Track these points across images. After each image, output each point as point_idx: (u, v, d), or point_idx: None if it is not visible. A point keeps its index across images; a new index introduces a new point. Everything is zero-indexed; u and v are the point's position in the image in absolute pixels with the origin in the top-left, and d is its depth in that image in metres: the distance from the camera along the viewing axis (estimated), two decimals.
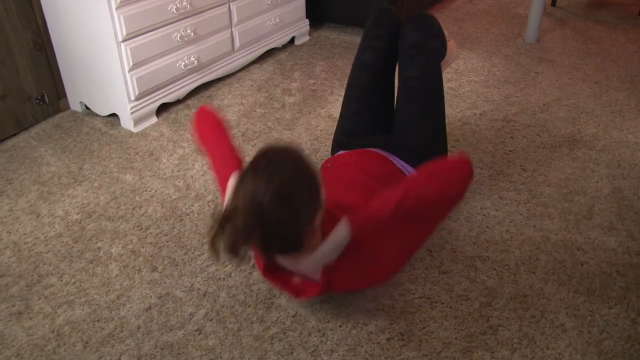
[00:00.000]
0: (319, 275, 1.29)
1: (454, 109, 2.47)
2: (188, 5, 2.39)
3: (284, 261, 1.33)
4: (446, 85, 2.70)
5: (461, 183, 1.30)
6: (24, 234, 1.79)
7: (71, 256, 1.69)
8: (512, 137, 2.25)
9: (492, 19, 3.64)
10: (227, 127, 1.54)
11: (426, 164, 1.33)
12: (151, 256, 1.68)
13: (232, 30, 2.73)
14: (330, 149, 2.18)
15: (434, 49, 1.69)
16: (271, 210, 1.09)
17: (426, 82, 1.67)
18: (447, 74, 2.82)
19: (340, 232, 1.25)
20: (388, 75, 1.77)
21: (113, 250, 1.71)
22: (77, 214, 1.87)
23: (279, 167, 1.12)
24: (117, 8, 2.11)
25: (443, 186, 1.29)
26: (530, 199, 1.90)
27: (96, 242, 1.74)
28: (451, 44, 1.94)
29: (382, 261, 1.30)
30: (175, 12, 2.34)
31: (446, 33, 1.97)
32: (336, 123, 2.36)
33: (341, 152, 1.80)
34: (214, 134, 1.51)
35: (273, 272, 1.37)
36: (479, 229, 1.76)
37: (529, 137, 2.25)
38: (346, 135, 1.80)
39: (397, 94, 1.75)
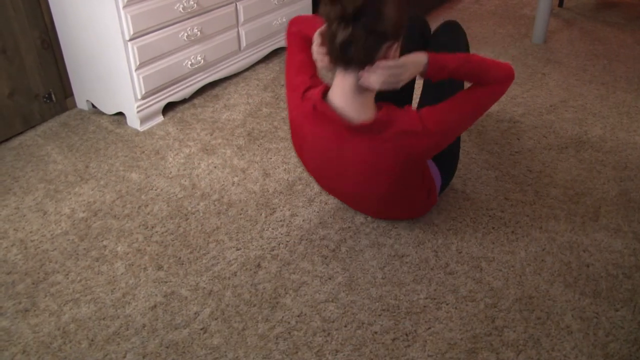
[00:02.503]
0: (371, 110, 1.47)
1: None
2: (195, 5, 2.39)
3: (344, 82, 1.44)
4: None
5: (506, 70, 1.53)
6: (31, 232, 1.80)
7: (77, 254, 1.70)
8: (518, 139, 2.24)
9: (499, 20, 3.63)
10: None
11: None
12: (157, 255, 1.69)
13: (238, 30, 2.73)
14: None
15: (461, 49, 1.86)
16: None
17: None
18: None
19: (420, 55, 1.44)
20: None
21: (119, 248, 1.71)
22: (83, 212, 1.88)
23: None
24: (124, 7, 2.11)
25: (494, 65, 1.52)
26: (536, 200, 1.89)
27: (102, 241, 1.75)
28: None
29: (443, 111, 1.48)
30: (182, 11, 2.34)
31: None
32: None
33: None
34: (300, 45, 1.64)
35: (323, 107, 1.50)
36: (485, 230, 1.76)
37: (536, 138, 2.25)
38: None
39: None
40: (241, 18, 2.71)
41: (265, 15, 2.88)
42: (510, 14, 3.75)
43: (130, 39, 2.19)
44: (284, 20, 3.00)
